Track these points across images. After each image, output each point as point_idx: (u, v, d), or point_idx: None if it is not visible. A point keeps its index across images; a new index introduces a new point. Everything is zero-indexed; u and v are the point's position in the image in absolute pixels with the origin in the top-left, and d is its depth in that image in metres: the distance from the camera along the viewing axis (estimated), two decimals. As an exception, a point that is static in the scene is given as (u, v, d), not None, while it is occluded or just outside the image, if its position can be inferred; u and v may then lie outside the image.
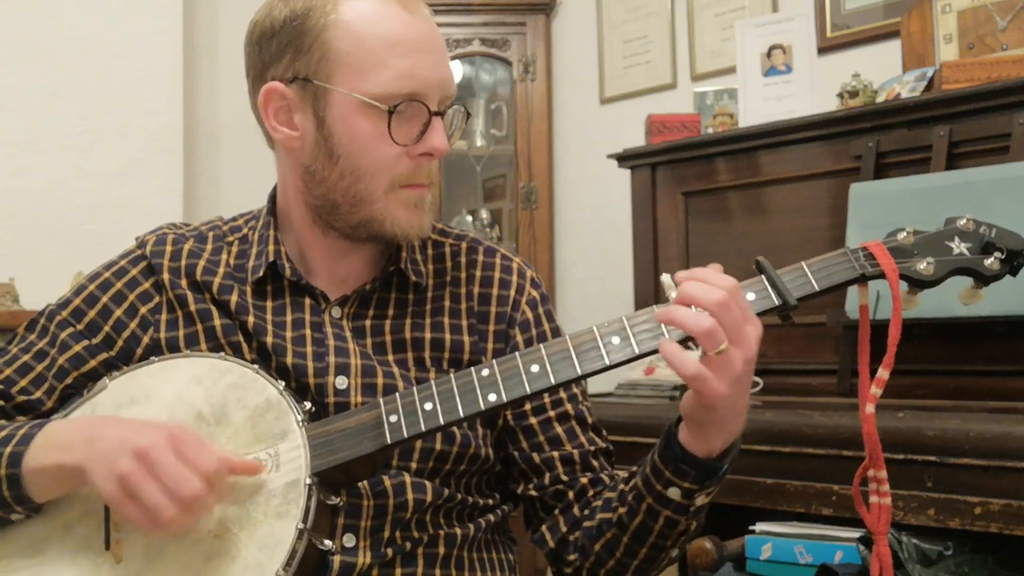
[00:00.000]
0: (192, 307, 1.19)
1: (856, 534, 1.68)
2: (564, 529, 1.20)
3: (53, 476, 1.04)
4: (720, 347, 0.96)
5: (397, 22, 1.11)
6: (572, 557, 1.20)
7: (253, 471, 1.03)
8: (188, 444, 0.99)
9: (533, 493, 1.22)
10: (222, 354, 1.14)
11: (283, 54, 1.14)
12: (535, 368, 1.03)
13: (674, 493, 1.07)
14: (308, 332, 1.18)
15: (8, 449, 1.06)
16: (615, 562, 1.15)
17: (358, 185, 1.13)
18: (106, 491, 0.99)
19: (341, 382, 1.15)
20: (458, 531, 1.16)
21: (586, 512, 1.19)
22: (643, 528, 1.11)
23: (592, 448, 1.23)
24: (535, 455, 1.21)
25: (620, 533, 1.13)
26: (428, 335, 1.21)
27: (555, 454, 1.21)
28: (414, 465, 1.14)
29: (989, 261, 1.06)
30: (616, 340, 1.02)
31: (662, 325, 1.01)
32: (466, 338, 1.22)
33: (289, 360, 1.15)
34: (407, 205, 1.15)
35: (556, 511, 1.21)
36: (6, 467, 1.05)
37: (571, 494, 1.20)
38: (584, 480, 1.21)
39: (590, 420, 1.25)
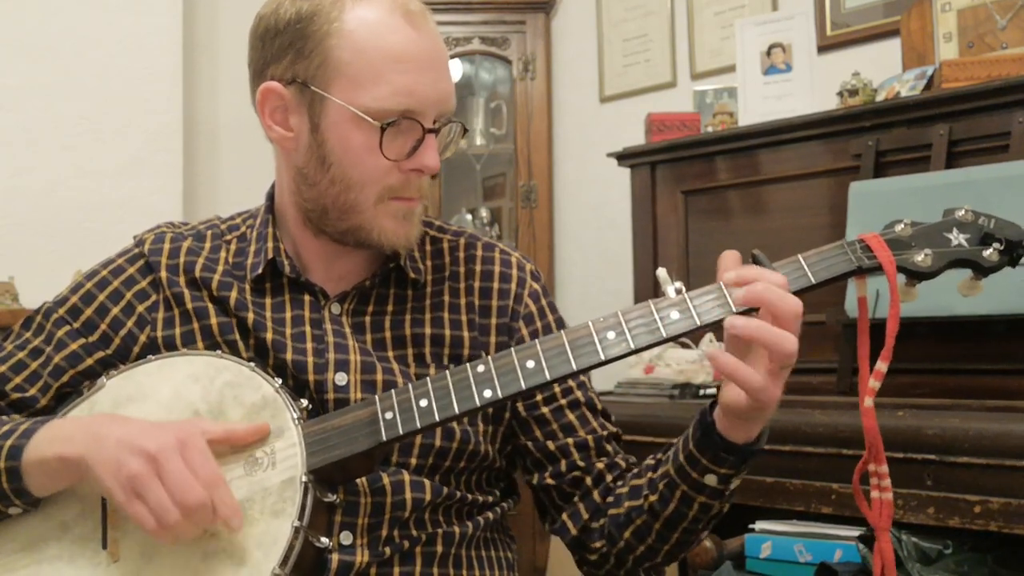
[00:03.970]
0: (189, 305, 1.19)
1: (856, 532, 1.68)
2: (586, 516, 1.20)
3: (54, 469, 1.04)
4: (791, 362, 0.97)
5: (400, 36, 1.10)
6: (598, 544, 1.19)
7: (259, 433, 1.05)
8: (194, 452, 0.99)
9: (550, 482, 1.22)
10: (219, 352, 1.14)
11: (284, 54, 1.13)
12: (530, 364, 1.03)
13: (711, 480, 1.07)
14: (308, 329, 1.18)
15: (9, 442, 1.06)
16: (645, 548, 1.15)
17: (347, 194, 1.13)
18: (112, 488, 0.99)
19: (341, 379, 1.15)
20: (456, 529, 1.16)
21: (609, 500, 1.19)
22: (677, 515, 1.11)
23: (604, 433, 1.24)
24: (549, 443, 1.21)
25: (652, 520, 1.13)
26: (428, 331, 1.21)
27: (569, 441, 1.21)
28: (413, 461, 1.14)
29: (988, 252, 1.05)
30: (611, 335, 1.02)
31: (657, 321, 1.02)
32: (466, 333, 1.22)
33: (289, 356, 1.15)
34: (395, 217, 1.15)
35: (575, 498, 1.21)
36: (6, 459, 1.05)
37: (588, 480, 1.21)
38: (600, 465, 1.21)
39: (599, 406, 1.26)
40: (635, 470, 1.21)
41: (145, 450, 0.98)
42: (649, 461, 1.19)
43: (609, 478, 1.21)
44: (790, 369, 0.99)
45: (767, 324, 0.97)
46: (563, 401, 1.23)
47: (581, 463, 1.21)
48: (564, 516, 1.22)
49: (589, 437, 1.22)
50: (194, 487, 0.97)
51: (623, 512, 1.16)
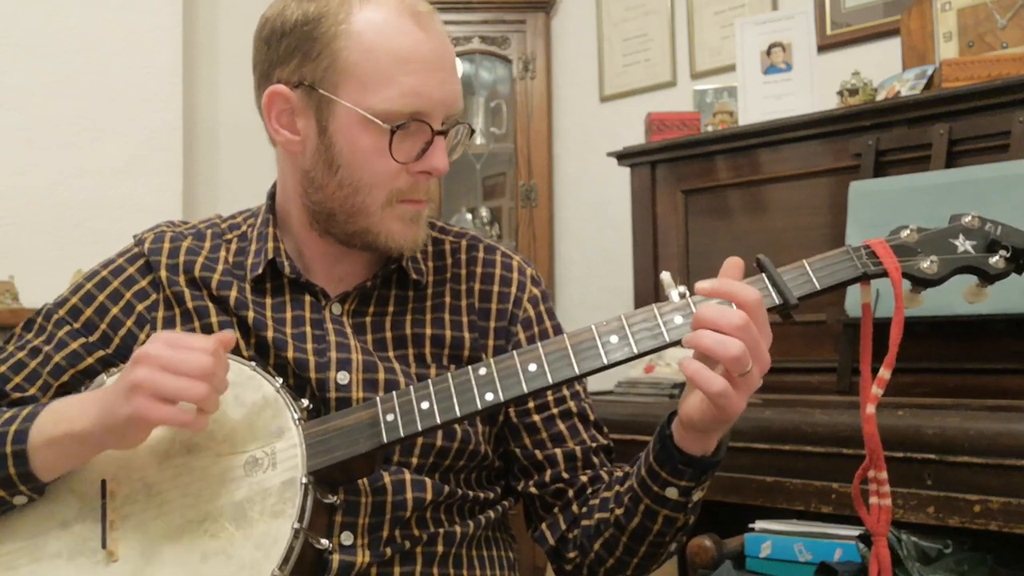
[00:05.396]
0: (189, 304, 1.19)
1: (855, 532, 1.68)
2: (563, 527, 1.20)
3: (62, 446, 1.04)
4: (746, 370, 0.96)
5: (408, 38, 1.10)
6: (572, 555, 1.20)
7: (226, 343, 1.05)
8: (177, 336, 1.01)
9: (533, 490, 1.22)
10: (219, 351, 1.14)
11: (291, 57, 1.12)
12: (533, 367, 1.02)
13: (672, 493, 1.07)
14: (308, 329, 1.18)
15: (13, 427, 1.05)
16: (615, 560, 1.15)
17: (355, 197, 1.13)
18: (127, 415, 0.98)
19: (343, 378, 1.14)
20: (458, 529, 1.16)
21: (584, 510, 1.19)
22: (642, 528, 1.11)
23: (594, 445, 1.23)
24: (538, 452, 1.21)
25: (618, 533, 1.13)
26: (428, 331, 1.21)
27: (557, 451, 1.21)
28: (414, 461, 1.14)
29: (994, 259, 1.05)
30: (614, 339, 1.02)
31: (661, 325, 1.01)
32: (466, 335, 1.22)
33: (290, 354, 1.15)
34: (403, 219, 1.15)
35: (556, 509, 1.21)
36: (12, 443, 1.04)
37: (571, 492, 1.20)
38: (584, 478, 1.21)
39: (592, 417, 1.25)
40: (609, 481, 1.20)
41: (137, 357, 0.99)
42: (619, 473, 1.19)
43: (590, 491, 1.21)
44: (753, 378, 0.97)
45: (709, 332, 0.96)
46: (555, 410, 1.22)
47: (566, 475, 1.21)
48: (544, 525, 1.22)
49: (577, 448, 1.22)
50: (195, 356, 0.98)
51: (593, 524, 1.16)
